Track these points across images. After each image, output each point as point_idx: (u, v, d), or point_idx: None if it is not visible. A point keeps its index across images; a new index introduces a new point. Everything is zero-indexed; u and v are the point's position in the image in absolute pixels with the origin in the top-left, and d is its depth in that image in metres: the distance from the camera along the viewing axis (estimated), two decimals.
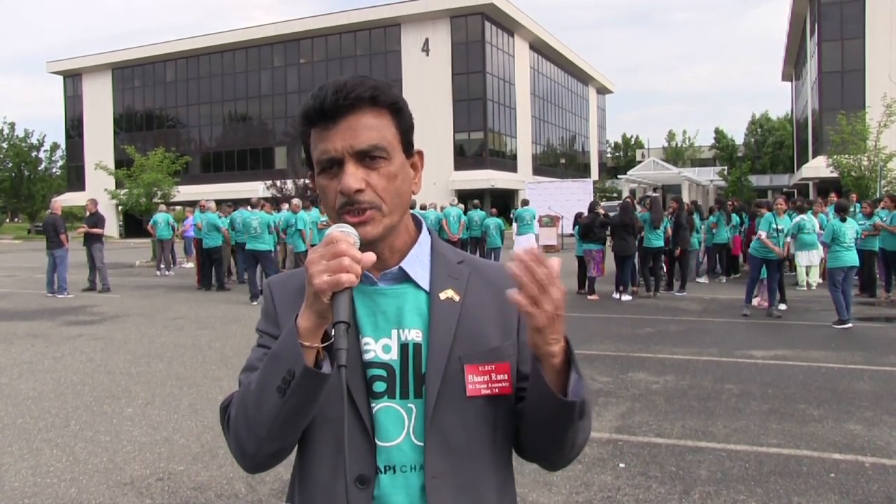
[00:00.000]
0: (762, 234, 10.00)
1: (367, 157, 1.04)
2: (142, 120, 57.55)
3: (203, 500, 3.84)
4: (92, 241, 14.07)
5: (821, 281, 12.81)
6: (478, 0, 45.00)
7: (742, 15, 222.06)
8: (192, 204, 19.09)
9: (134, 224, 43.65)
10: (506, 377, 1.10)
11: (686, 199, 26.19)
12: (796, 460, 4.33)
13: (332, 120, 1.04)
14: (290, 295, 1.15)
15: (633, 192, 32.09)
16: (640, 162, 52.36)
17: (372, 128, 1.04)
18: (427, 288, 1.12)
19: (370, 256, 0.97)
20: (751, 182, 51.65)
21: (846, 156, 23.41)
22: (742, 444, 4.62)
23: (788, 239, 11.18)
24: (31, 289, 15.03)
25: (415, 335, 1.10)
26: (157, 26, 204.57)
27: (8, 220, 71.91)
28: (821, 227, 11.95)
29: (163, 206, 19.59)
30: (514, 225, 17.56)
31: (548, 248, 23.95)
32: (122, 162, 37.29)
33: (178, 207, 30.68)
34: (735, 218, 14.75)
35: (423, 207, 18.56)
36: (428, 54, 47.43)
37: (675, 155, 73.34)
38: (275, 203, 17.75)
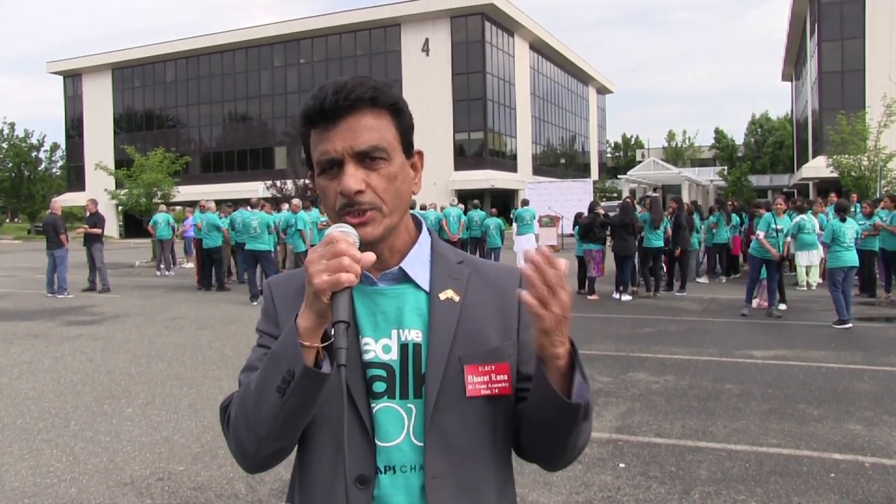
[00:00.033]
0: (760, 234, 10.02)
1: (367, 158, 1.04)
2: (142, 120, 57.55)
3: (203, 500, 3.84)
4: (92, 241, 14.08)
5: (821, 281, 12.81)
6: (478, 0, 45.01)
7: (742, 15, 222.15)
8: (192, 204, 19.10)
9: (134, 224, 43.65)
10: (506, 377, 1.10)
11: (686, 199, 26.20)
12: (796, 460, 4.33)
13: (331, 121, 1.04)
14: (289, 295, 1.15)
15: (633, 192, 32.09)
16: (640, 162, 52.36)
17: (372, 129, 1.04)
18: (427, 288, 1.12)
19: (370, 256, 0.97)
20: (751, 182, 51.65)
21: (846, 156, 23.41)
22: (742, 444, 4.63)
23: (788, 239, 11.19)
24: (31, 289, 15.03)
25: (415, 335, 1.10)
26: (157, 26, 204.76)
27: (8, 221, 71.93)
28: (821, 228, 11.95)
29: (163, 207, 19.60)
30: (514, 225, 17.53)
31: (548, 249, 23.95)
32: (122, 162, 37.30)
33: (178, 207, 30.70)
34: (735, 218, 14.75)
35: (423, 208, 18.56)
36: (428, 54, 47.44)
37: (675, 155, 73.35)
38: (275, 203, 17.75)
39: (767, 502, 3.73)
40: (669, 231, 12.86)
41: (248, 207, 13.22)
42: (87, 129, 58.06)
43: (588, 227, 12.38)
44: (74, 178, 57.70)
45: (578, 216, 13.22)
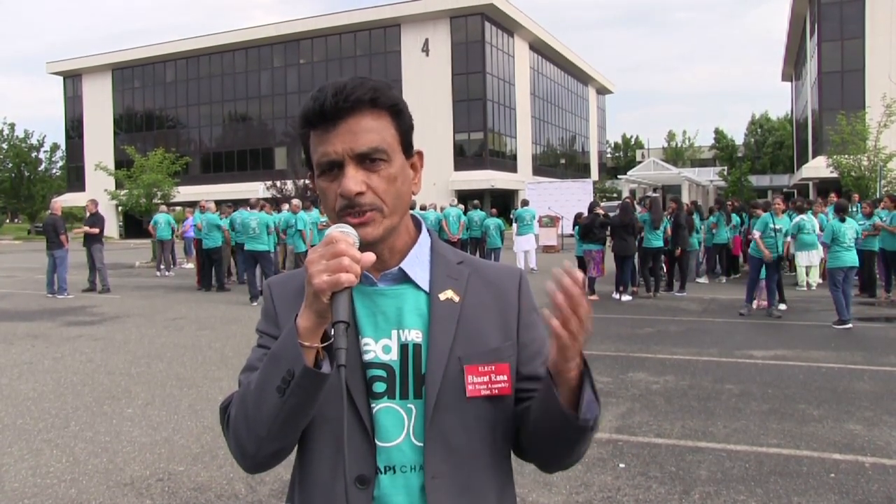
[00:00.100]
0: (756, 234, 10.04)
1: (367, 160, 1.04)
2: (142, 120, 57.56)
3: (203, 501, 3.84)
4: (92, 241, 14.08)
5: (821, 281, 12.81)
6: (478, 0, 45.02)
7: (742, 15, 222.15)
8: (192, 204, 19.10)
9: (134, 225, 43.66)
10: (505, 378, 1.11)
11: (686, 199, 26.21)
12: (796, 460, 4.33)
13: (331, 122, 1.04)
14: (289, 295, 1.15)
15: (632, 192, 32.11)
16: (640, 162, 52.38)
17: (372, 130, 1.04)
18: (427, 288, 1.12)
19: (370, 256, 0.97)
20: (751, 182, 51.67)
21: (846, 156, 23.42)
22: (742, 444, 4.63)
23: (788, 239, 11.19)
24: (31, 289, 15.03)
25: (415, 336, 1.10)
26: (157, 26, 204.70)
27: (8, 221, 71.89)
28: (821, 228, 11.95)
29: (163, 207, 19.61)
30: (514, 225, 17.55)
31: (548, 249, 23.97)
32: (122, 162, 37.33)
33: (178, 208, 30.70)
34: (735, 218, 14.75)
35: (423, 208, 18.56)
36: (428, 54, 47.44)
37: (675, 155, 73.36)
38: (275, 203, 17.75)
39: (767, 502, 3.73)
40: (669, 231, 12.86)
41: (248, 208, 13.22)
42: (87, 129, 58.06)
43: (588, 228, 12.38)
44: (74, 178, 57.70)
45: (578, 216, 13.21)
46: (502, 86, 49.81)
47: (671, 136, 79.23)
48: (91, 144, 56.78)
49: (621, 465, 4.28)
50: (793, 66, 54.44)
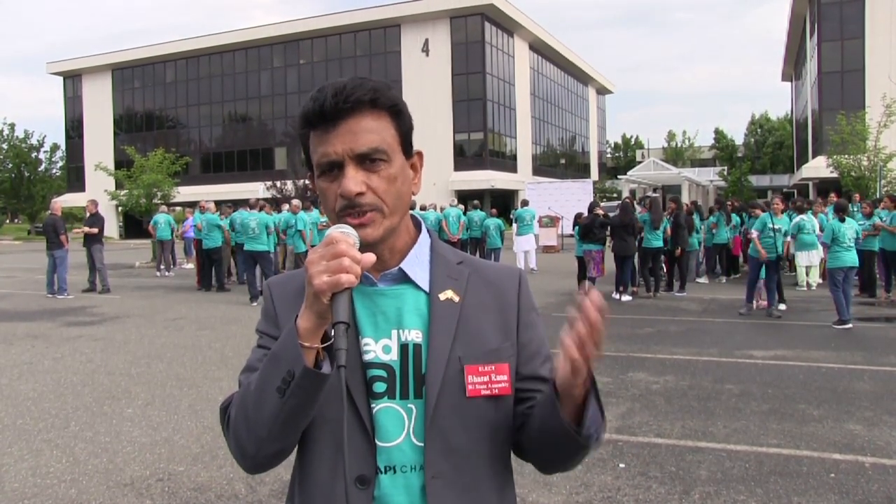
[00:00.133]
0: (754, 233, 10.05)
1: (367, 160, 1.04)
2: (142, 121, 57.57)
3: (203, 501, 3.84)
4: (92, 241, 14.08)
5: (821, 281, 12.81)
6: (477, 0, 45.03)
7: (742, 15, 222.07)
8: (192, 205, 19.10)
9: (134, 225, 43.67)
10: (505, 378, 1.11)
11: (686, 199, 26.20)
12: (796, 460, 4.33)
13: (331, 123, 1.04)
14: (289, 296, 1.15)
15: (632, 192, 32.12)
16: (640, 162, 52.39)
17: (372, 130, 1.05)
18: (427, 288, 1.13)
19: (370, 257, 0.97)
20: (751, 182, 51.64)
21: (846, 156, 23.42)
22: (742, 444, 4.63)
23: (788, 239, 11.19)
24: (30, 290, 15.03)
25: (415, 336, 1.10)
26: (157, 26, 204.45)
27: (8, 221, 71.88)
28: (820, 228, 11.95)
29: (163, 207, 19.61)
30: (514, 225, 17.56)
31: (548, 249, 23.97)
32: (122, 163, 37.37)
33: (178, 208, 30.70)
34: (735, 218, 14.75)
35: (423, 208, 18.56)
36: (428, 55, 47.45)
37: (675, 155, 73.39)
38: (275, 204, 17.76)
39: (767, 502, 3.73)
40: (669, 231, 12.86)
41: (247, 208, 13.22)
42: (87, 129, 58.07)
43: (588, 228, 12.38)
44: (74, 178, 57.72)
45: (578, 216, 13.21)
46: (502, 86, 49.82)
47: (671, 136, 79.30)
48: (91, 145, 56.79)
49: (621, 465, 4.28)
50: (793, 66, 54.45)
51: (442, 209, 17.89)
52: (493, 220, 17.26)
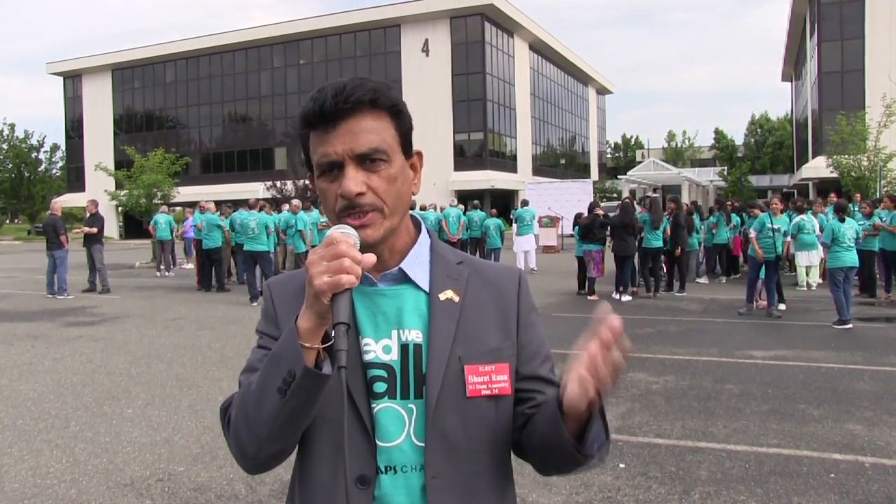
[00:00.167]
0: (752, 233, 10.05)
1: (367, 160, 1.04)
2: (142, 121, 57.58)
3: (203, 501, 3.85)
4: (92, 242, 14.08)
5: (821, 281, 12.81)
6: (478, 0, 45.03)
7: (742, 15, 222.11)
8: (192, 205, 19.11)
9: (134, 225, 43.69)
10: (505, 378, 1.11)
11: (686, 199, 26.21)
12: (796, 460, 4.33)
13: (331, 123, 1.04)
14: (289, 296, 1.15)
15: (632, 192, 32.12)
16: (639, 162, 52.37)
17: (372, 131, 1.05)
18: (427, 289, 1.13)
19: (370, 258, 0.97)
20: (751, 182, 51.63)
21: (846, 156, 23.42)
22: (742, 445, 4.63)
23: (788, 239, 11.19)
24: (30, 290, 15.03)
25: (415, 336, 1.10)
26: (157, 26, 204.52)
27: (8, 222, 71.89)
28: (820, 228, 11.96)
29: (163, 207, 19.61)
30: (514, 225, 17.56)
31: (548, 249, 23.97)
32: (122, 163, 37.39)
33: (178, 208, 30.71)
34: (735, 218, 14.76)
35: (423, 208, 18.56)
36: (428, 55, 47.45)
37: (675, 155, 73.40)
38: (275, 204, 17.76)
39: (767, 502, 3.73)
40: (668, 231, 12.86)
41: (247, 208, 13.22)
42: (87, 129, 58.08)
43: (588, 228, 12.39)
44: (74, 178, 57.72)
45: (578, 217, 13.22)
46: (502, 86, 49.82)
47: (671, 136, 79.30)
48: (91, 145, 56.79)
49: (621, 465, 4.28)
50: (793, 66, 54.45)
51: (442, 209, 17.89)
52: (493, 220, 17.26)
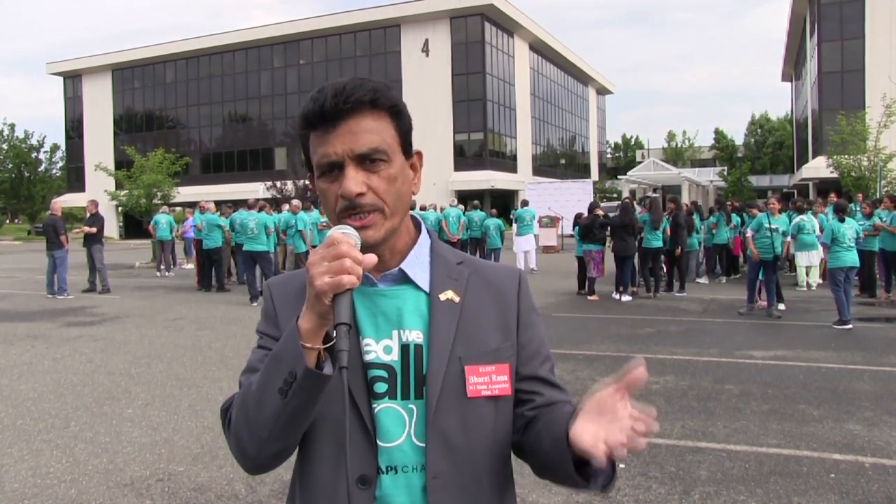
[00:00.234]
0: (749, 232, 10.05)
1: (367, 161, 1.04)
2: (142, 121, 57.58)
3: (203, 501, 3.85)
4: (92, 242, 14.08)
5: (821, 281, 12.81)
6: (478, 1, 45.03)
7: (742, 15, 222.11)
8: (192, 205, 19.11)
9: (134, 225, 43.69)
10: (506, 378, 1.11)
11: (686, 199, 26.21)
12: (796, 460, 4.33)
13: (331, 123, 1.04)
14: (289, 296, 1.15)
15: (632, 192, 32.13)
16: (639, 162, 52.36)
17: (372, 131, 1.05)
18: (427, 289, 1.13)
19: (371, 258, 0.97)
20: (751, 182, 51.63)
21: (846, 156, 23.42)
22: (742, 445, 4.63)
23: (788, 239, 11.19)
24: (30, 290, 15.03)
25: (415, 336, 1.10)
26: (157, 26, 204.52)
27: (8, 222, 71.88)
28: (820, 228, 11.96)
29: (164, 207, 19.61)
30: (514, 225, 17.56)
31: (548, 249, 23.97)
32: (122, 163, 37.39)
33: (178, 208, 30.72)
34: (735, 218, 14.76)
35: (423, 208, 18.56)
36: (428, 55, 47.45)
37: (675, 155, 73.39)
38: (275, 204, 17.75)
39: (767, 502, 3.73)
40: (668, 231, 12.87)
41: (247, 208, 13.22)
42: (87, 129, 58.08)
43: (588, 228, 12.39)
44: (74, 179, 57.72)
45: (578, 217, 13.22)
46: (502, 86, 49.83)
47: (671, 136, 79.31)
48: (91, 145, 56.80)
49: (621, 466, 4.28)
50: (793, 66, 54.45)
51: (442, 209, 17.89)
52: (493, 220, 17.26)
